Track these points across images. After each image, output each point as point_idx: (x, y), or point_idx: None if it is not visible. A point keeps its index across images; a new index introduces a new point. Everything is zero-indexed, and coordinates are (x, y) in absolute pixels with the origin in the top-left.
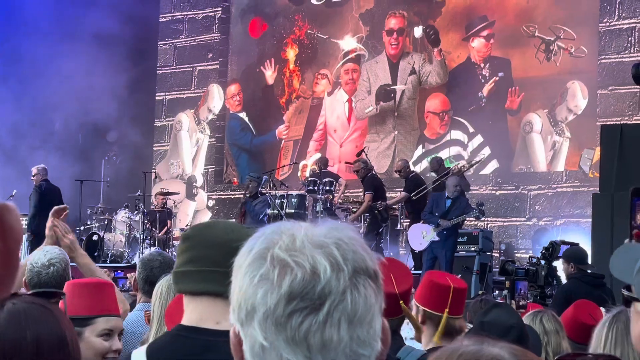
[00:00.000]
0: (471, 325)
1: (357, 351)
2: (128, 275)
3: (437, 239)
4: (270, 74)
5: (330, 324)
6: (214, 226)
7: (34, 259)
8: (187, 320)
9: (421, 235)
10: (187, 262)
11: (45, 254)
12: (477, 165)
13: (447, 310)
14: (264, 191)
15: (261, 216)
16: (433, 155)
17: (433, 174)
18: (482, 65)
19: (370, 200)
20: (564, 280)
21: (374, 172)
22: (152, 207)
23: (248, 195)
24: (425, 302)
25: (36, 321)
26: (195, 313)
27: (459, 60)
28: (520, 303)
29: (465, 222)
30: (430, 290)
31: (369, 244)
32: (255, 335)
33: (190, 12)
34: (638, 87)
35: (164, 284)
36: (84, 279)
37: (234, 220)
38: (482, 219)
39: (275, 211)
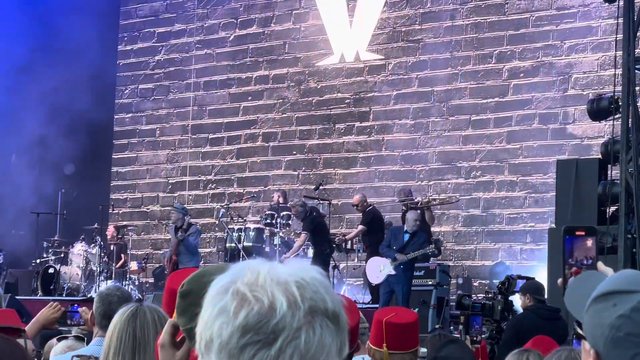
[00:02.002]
0: None
1: None
2: (79, 309)
3: (393, 272)
4: None
5: (282, 359)
6: (207, 274)
7: None
8: None
9: (378, 269)
10: (195, 318)
11: None
12: (447, 204)
13: (384, 345)
14: (192, 222)
15: (197, 247)
16: (403, 185)
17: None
18: None
19: (304, 240)
20: None
21: (315, 214)
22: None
23: (175, 226)
24: (371, 339)
25: (5, 356)
26: None
27: None
28: (475, 338)
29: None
30: (373, 326)
31: None
32: None
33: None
34: None
35: (119, 318)
36: None
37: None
38: (439, 257)
39: (233, 244)
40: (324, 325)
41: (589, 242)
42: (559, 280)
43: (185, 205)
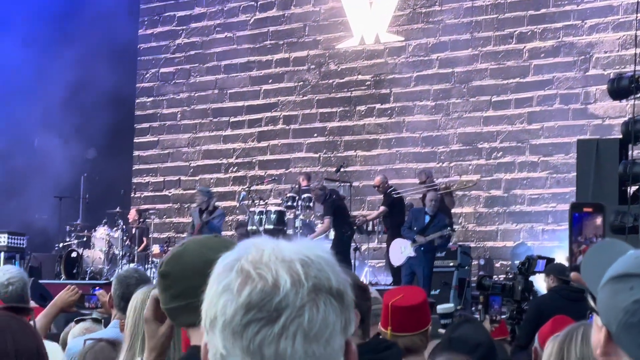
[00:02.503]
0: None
1: None
2: (96, 292)
3: (414, 254)
4: None
5: (285, 336)
6: (187, 253)
7: None
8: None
9: (400, 250)
10: (174, 299)
11: (4, 274)
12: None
13: (389, 327)
14: (217, 204)
15: (221, 230)
16: (424, 167)
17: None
18: None
19: (328, 225)
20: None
21: (334, 197)
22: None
23: (200, 209)
24: (381, 321)
25: (15, 333)
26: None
27: None
28: (495, 318)
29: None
30: (382, 309)
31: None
32: (216, 344)
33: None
34: None
35: (138, 298)
36: None
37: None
38: (453, 237)
39: (254, 227)
40: (328, 303)
41: (598, 220)
42: (565, 257)
43: (213, 189)
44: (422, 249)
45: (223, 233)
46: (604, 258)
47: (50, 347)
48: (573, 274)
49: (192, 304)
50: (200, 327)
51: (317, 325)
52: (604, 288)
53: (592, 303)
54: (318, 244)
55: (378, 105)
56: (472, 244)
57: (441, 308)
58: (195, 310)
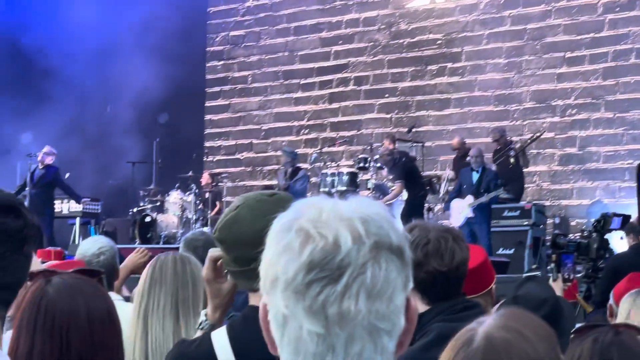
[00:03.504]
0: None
1: (376, 325)
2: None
3: (472, 214)
4: None
5: (348, 295)
6: (239, 221)
7: (84, 248)
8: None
9: (458, 212)
10: (230, 263)
11: (95, 243)
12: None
13: None
14: (302, 166)
15: (305, 194)
16: (497, 125)
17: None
18: None
19: (400, 189)
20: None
21: (404, 159)
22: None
23: (285, 170)
24: None
25: (86, 294)
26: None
27: None
28: (568, 277)
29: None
30: None
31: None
32: (277, 304)
33: None
34: None
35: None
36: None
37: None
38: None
39: (326, 189)
40: (389, 260)
41: None
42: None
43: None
44: (479, 207)
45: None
46: None
47: (127, 307)
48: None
49: (246, 272)
50: (255, 292)
51: (380, 282)
52: None
53: None
54: (374, 202)
55: (450, 65)
56: (547, 203)
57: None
58: (250, 277)
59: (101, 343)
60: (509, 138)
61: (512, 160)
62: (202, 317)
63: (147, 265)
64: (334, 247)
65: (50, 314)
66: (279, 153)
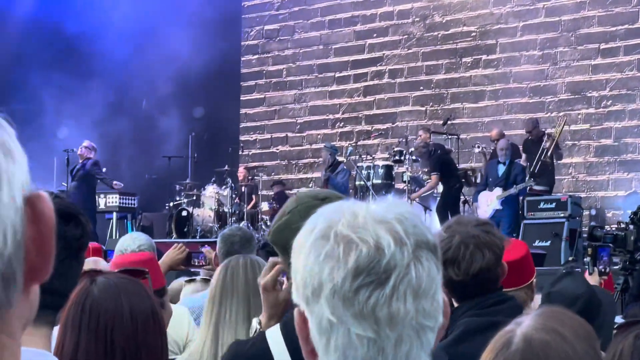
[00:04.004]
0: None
1: (423, 323)
2: (203, 250)
3: (500, 207)
4: None
5: (396, 297)
6: (290, 226)
7: (122, 245)
8: None
9: (486, 204)
10: (288, 267)
11: (134, 240)
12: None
13: None
14: (341, 159)
15: (347, 186)
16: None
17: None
18: None
19: (436, 182)
20: None
21: (439, 152)
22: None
23: (326, 167)
24: None
25: (130, 294)
26: None
27: None
28: (604, 270)
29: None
30: None
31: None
32: (322, 311)
33: None
34: None
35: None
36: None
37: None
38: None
39: (362, 182)
40: (429, 258)
41: None
42: None
43: (320, 145)
44: (507, 200)
45: None
46: None
47: (177, 310)
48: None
49: None
50: None
51: (424, 281)
52: None
53: None
54: (402, 201)
55: (484, 57)
56: (583, 194)
57: None
58: None
59: (145, 342)
60: (542, 129)
61: (548, 152)
62: (255, 325)
63: (218, 271)
64: (377, 251)
65: (94, 314)
66: (314, 146)
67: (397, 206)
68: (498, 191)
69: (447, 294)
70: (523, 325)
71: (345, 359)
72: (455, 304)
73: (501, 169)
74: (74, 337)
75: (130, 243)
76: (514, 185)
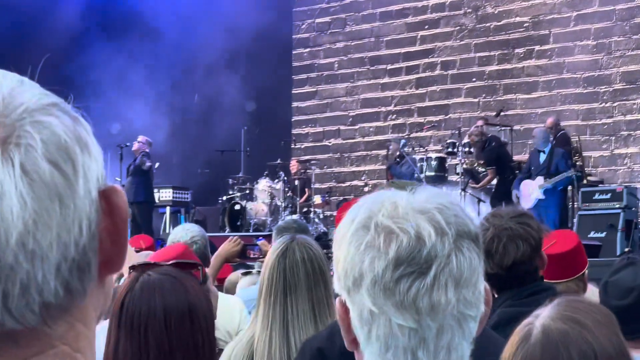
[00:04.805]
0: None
1: (464, 312)
2: (258, 242)
3: (542, 197)
4: None
5: (437, 287)
6: None
7: (176, 237)
8: None
9: (528, 193)
10: None
11: (186, 232)
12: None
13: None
14: (408, 151)
15: (411, 177)
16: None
17: None
18: None
19: (493, 175)
20: None
21: (494, 143)
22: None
23: (393, 158)
24: None
25: (166, 293)
26: None
27: None
28: None
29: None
30: None
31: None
32: (363, 301)
33: None
34: None
35: (273, 256)
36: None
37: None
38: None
39: (416, 175)
40: (471, 247)
41: None
42: None
43: (372, 137)
44: (549, 190)
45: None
46: None
47: (229, 301)
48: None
49: None
50: None
51: (465, 270)
52: None
53: None
54: (442, 190)
55: (537, 47)
56: (639, 185)
57: None
58: None
59: (179, 342)
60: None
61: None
62: None
63: (268, 263)
64: (418, 241)
65: (130, 313)
66: (366, 139)
67: (438, 196)
68: (540, 180)
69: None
70: (541, 317)
71: (386, 349)
72: (496, 295)
73: (542, 157)
74: (115, 334)
75: (183, 234)
76: (558, 173)
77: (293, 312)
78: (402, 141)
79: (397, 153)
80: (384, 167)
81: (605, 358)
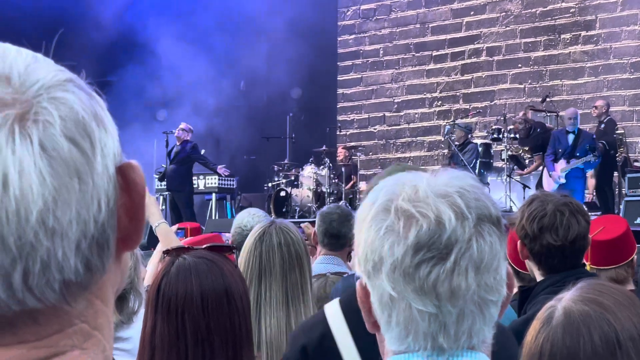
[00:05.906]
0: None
1: (485, 297)
2: (302, 225)
3: (564, 181)
4: None
5: (457, 272)
6: None
7: (241, 222)
8: None
9: (550, 177)
10: None
11: (252, 217)
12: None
13: (588, 262)
14: (472, 140)
15: (470, 166)
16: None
17: None
18: None
19: (540, 162)
20: None
21: (539, 130)
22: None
23: (456, 144)
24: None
25: (203, 275)
26: None
27: None
28: None
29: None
30: None
31: None
32: (383, 286)
33: None
34: None
35: (250, 241)
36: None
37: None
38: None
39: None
40: (492, 231)
41: None
42: None
43: (418, 124)
44: (571, 174)
45: (430, 168)
46: None
47: None
48: None
49: None
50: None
51: (486, 255)
52: None
53: None
54: (465, 173)
55: (583, 33)
56: None
57: None
58: None
59: (217, 324)
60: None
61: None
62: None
63: (246, 246)
64: (438, 226)
65: (167, 297)
66: (411, 125)
67: (459, 179)
68: (562, 164)
69: (532, 265)
70: (563, 300)
71: (407, 333)
72: (538, 277)
73: (570, 138)
74: (152, 317)
75: (250, 219)
76: (582, 158)
77: (266, 297)
78: (447, 127)
79: (462, 140)
80: (429, 153)
81: (627, 339)
